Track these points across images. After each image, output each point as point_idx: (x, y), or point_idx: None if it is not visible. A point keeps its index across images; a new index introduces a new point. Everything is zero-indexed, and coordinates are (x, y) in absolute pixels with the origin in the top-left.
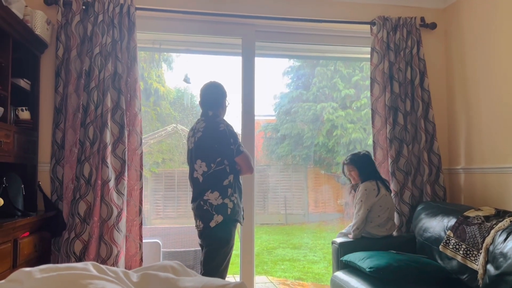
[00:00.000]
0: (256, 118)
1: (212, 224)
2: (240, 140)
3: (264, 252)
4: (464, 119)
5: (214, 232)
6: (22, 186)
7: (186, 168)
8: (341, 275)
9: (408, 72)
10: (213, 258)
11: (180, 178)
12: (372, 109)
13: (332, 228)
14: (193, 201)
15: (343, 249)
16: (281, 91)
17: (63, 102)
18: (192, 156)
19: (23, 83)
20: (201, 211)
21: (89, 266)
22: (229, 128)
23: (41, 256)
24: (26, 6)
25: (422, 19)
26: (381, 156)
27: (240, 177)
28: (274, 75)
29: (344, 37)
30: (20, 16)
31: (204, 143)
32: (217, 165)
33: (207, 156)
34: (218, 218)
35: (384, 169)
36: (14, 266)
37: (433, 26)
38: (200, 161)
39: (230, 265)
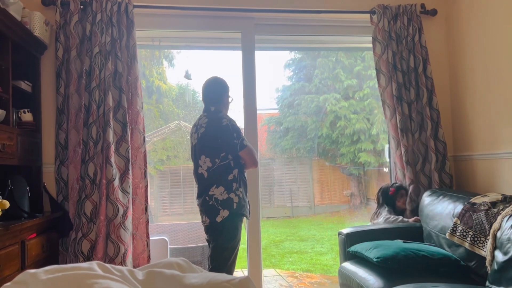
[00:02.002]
0: (259, 112)
1: (219, 219)
2: (243, 134)
3: (271, 245)
4: (468, 105)
5: (221, 227)
6: (28, 188)
7: (191, 165)
8: (348, 265)
9: (411, 60)
10: (221, 253)
11: (185, 174)
12: (382, 100)
13: (338, 219)
14: (198, 197)
15: (349, 239)
16: (283, 84)
17: (65, 103)
18: (196, 152)
19: (24, 85)
20: (207, 207)
21: (94, 265)
22: (231, 122)
23: (49, 257)
24: (24, 7)
25: (422, 5)
26: (394, 146)
27: (245, 171)
28: (276, 68)
29: (344, 27)
30: (18, 18)
31: (207, 139)
32: (221, 160)
33: (211, 151)
34: (224, 213)
35: (398, 158)
36: (23, 268)
37: (433, 12)
38: (204, 157)
39: (238, 259)
